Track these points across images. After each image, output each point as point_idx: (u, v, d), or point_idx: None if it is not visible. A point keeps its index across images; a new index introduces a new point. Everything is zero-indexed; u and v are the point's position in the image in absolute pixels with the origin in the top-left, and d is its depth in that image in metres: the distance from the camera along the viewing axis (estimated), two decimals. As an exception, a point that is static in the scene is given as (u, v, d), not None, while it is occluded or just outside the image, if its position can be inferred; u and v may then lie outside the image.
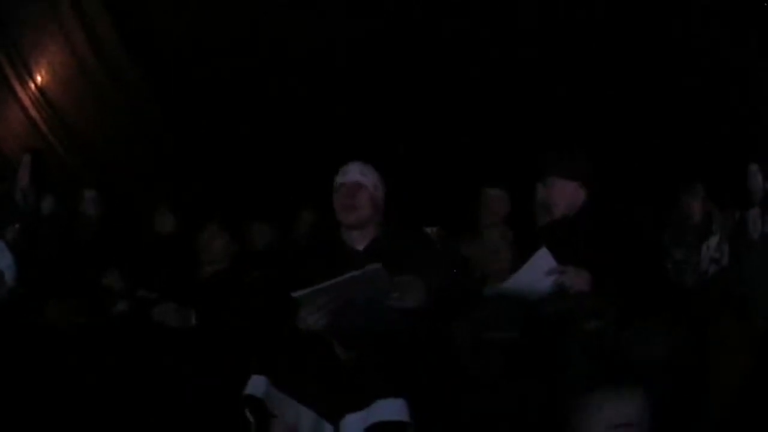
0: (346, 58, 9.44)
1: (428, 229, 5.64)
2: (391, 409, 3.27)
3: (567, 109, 8.95)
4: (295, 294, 3.44)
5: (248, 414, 3.41)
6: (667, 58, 8.87)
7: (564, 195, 4.22)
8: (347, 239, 3.92)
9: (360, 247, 3.88)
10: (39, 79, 9.30)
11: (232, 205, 7.88)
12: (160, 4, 9.46)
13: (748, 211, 6.68)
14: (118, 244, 6.52)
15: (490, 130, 9.19)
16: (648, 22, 8.84)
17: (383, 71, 9.36)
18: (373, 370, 3.36)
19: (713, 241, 6.62)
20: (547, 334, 3.87)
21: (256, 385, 3.40)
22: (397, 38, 9.23)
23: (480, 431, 3.76)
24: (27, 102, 9.25)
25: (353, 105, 9.40)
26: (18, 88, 9.14)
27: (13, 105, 9.18)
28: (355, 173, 3.94)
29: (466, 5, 9.09)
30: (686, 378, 4.03)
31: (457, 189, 7.51)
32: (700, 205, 6.84)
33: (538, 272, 3.96)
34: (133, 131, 9.95)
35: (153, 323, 5.08)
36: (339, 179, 3.98)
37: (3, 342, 4.94)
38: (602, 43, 8.85)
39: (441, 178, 8.95)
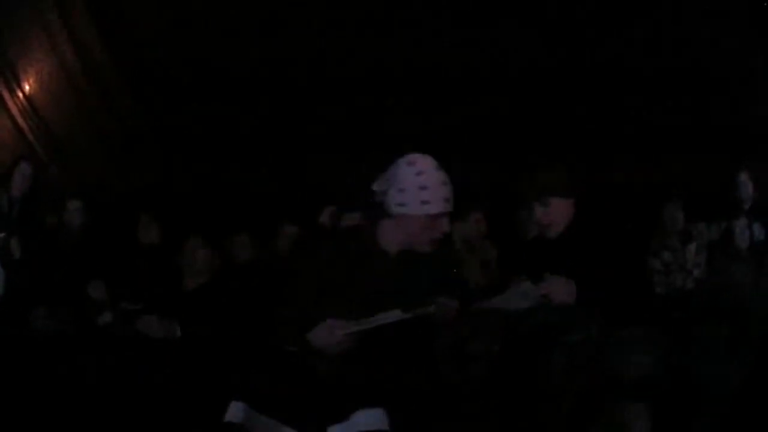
0: (333, 62, 9.46)
1: None
2: (371, 418, 3.27)
3: (548, 121, 8.99)
4: (346, 332, 3.37)
5: None
6: (653, 67, 8.91)
7: (563, 213, 4.21)
8: (381, 241, 3.68)
9: (392, 250, 3.68)
10: (27, 88, 9.30)
11: (215, 218, 7.88)
12: (148, 14, 9.48)
13: (735, 221, 6.74)
14: (102, 255, 6.50)
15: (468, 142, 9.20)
16: (632, 29, 8.90)
17: (363, 79, 9.37)
18: (353, 381, 3.36)
19: (692, 247, 6.70)
20: (529, 346, 3.87)
21: (235, 411, 3.35)
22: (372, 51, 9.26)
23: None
24: (14, 110, 9.25)
25: (341, 110, 9.41)
26: (6, 96, 9.14)
27: (2, 115, 9.17)
28: (441, 202, 3.58)
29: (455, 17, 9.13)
30: (673, 387, 4.04)
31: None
32: (680, 212, 6.93)
33: (522, 294, 3.96)
34: (119, 141, 9.97)
35: (137, 334, 5.08)
36: (421, 209, 3.58)
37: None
38: (582, 55, 8.89)
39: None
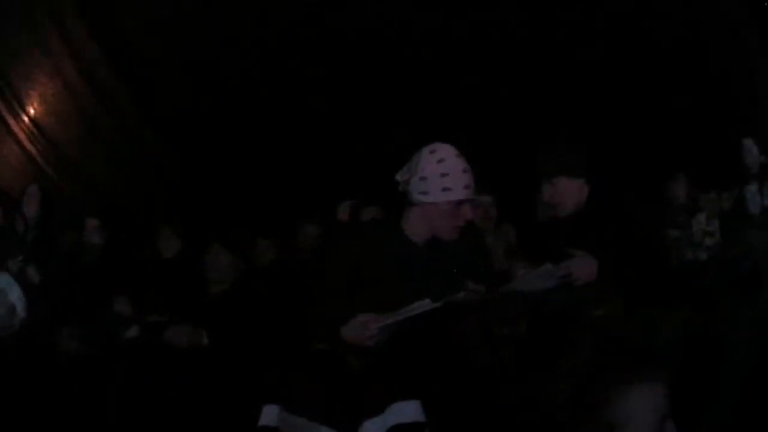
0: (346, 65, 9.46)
1: None
2: (408, 410, 3.28)
3: (554, 98, 8.99)
4: (378, 326, 3.42)
5: None
6: (653, 43, 8.93)
7: (571, 194, 4.21)
8: (407, 232, 3.71)
9: (418, 240, 3.71)
10: (32, 111, 9.32)
11: (234, 222, 7.89)
12: (151, 30, 9.48)
13: (745, 186, 6.76)
14: (123, 271, 6.53)
15: (481, 125, 9.21)
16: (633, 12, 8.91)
17: (380, 75, 9.38)
18: (387, 374, 3.38)
19: (701, 217, 6.73)
20: (554, 325, 3.89)
21: (269, 414, 3.39)
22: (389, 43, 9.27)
23: (492, 426, 3.78)
24: (21, 135, 9.27)
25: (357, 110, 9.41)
26: (11, 122, 9.16)
27: (6, 139, 9.19)
28: (461, 188, 3.64)
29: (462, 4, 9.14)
30: (696, 358, 4.05)
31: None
32: (684, 188, 6.95)
33: (543, 274, 3.97)
34: (129, 157, 9.99)
35: (164, 347, 5.10)
36: (442, 195, 3.62)
37: (19, 372, 4.95)
38: (590, 34, 8.89)
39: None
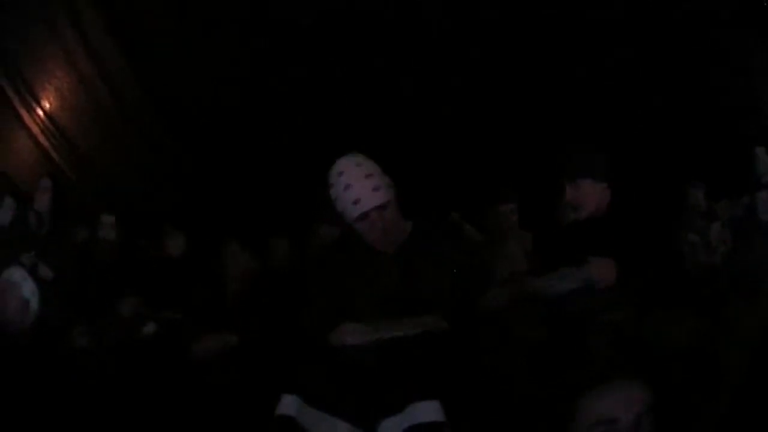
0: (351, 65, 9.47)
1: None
2: (427, 410, 3.28)
3: (573, 106, 9.01)
4: (347, 341, 3.41)
5: None
6: (668, 51, 8.95)
7: (594, 197, 4.24)
8: (373, 241, 3.63)
9: (390, 250, 3.64)
10: (47, 105, 9.30)
11: (248, 219, 7.89)
12: (166, 24, 9.47)
13: (757, 194, 6.79)
14: (137, 268, 6.54)
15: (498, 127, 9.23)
16: (646, 16, 8.91)
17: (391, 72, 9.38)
18: (407, 373, 3.37)
19: (717, 225, 6.75)
20: (572, 330, 3.91)
21: (288, 404, 3.38)
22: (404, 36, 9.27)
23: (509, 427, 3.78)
24: (35, 130, 9.25)
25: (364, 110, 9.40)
26: (25, 116, 9.15)
27: (21, 133, 9.18)
28: (369, 195, 3.48)
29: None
30: (699, 363, 4.07)
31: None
32: (703, 195, 6.99)
33: (565, 277, 3.99)
34: (143, 152, 9.99)
35: (180, 344, 5.11)
36: (354, 210, 3.51)
37: (32, 368, 4.94)
38: (603, 41, 8.91)
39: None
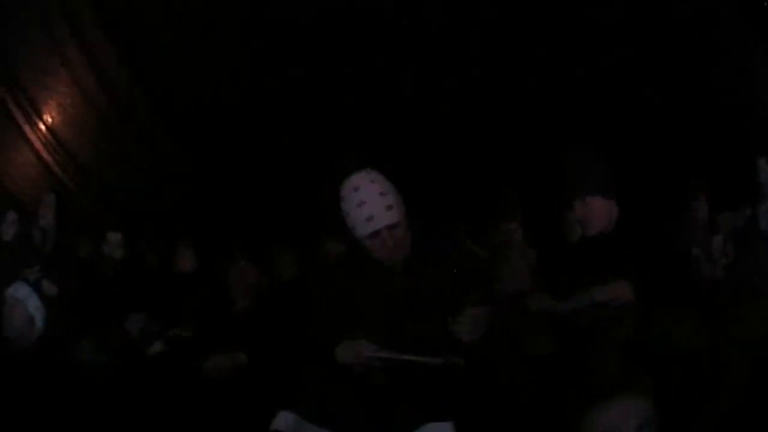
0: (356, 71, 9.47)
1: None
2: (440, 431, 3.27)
3: (575, 116, 9.01)
4: (369, 354, 3.38)
5: None
6: (668, 55, 8.96)
7: (603, 213, 4.25)
8: (377, 259, 3.59)
9: (394, 265, 3.59)
10: (49, 120, 9.31)
11: (254, 234, 7.88)
12: (168, 35, 9.46)
13: (758, 205, 6.81)
14: (143, 284, 6.53)
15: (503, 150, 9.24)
16: (646, 24, 8.93)
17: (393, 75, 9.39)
18: (418, 392, 3.35)
19: (718, 239, 6.76)
20: (579, 344, 3.92)
21: (284, 420, 3.38)
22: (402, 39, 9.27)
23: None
24: (38, 144, 9.27)
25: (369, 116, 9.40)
26: (28, 131, 9.16)
27: (23, 148, 9.20)
28: (383, 214, 3.46)
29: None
30: (701, 364, 4.07)
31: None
32: (705, 207, 6.99)
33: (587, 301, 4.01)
34: (146, 166, 9.99)
35: (188, 362, 5.10)
36: (367, 227, 3.48)
37: (37, 384, 4.93)
38: (602, 43, 8.93)
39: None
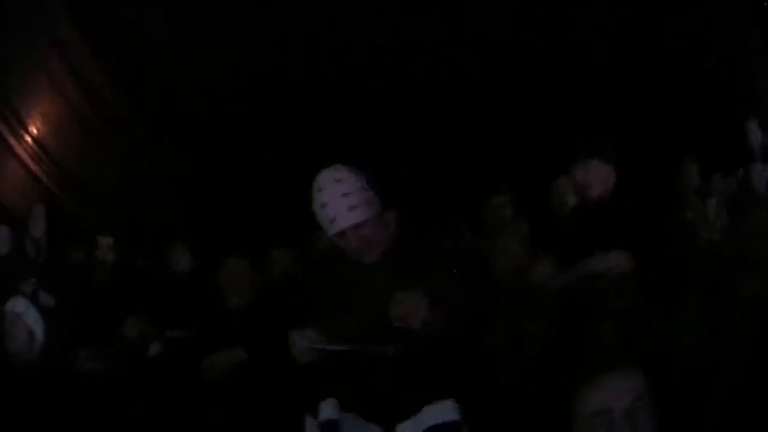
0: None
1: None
2: (443, 410, 3.27)
3: (563, 90, 9.02)
4: (314, 347, 3.35)
5: None
6: (657, 28, 8.98)
7: (601, 178, 4.29)
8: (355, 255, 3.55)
9: (375, 259, 3.53)
10: (35, 131, 9.29)
11: (247, 233, 7.86)
12: (150, 41, 9.43)
13: (750, 167, 6.81)
14: (138, 288, 6.52)
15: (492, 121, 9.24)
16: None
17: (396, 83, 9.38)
18: (419, 376, 3.34)
19: (712, 201, 6.76)
20: (577, 320, 3.93)
21: (328, 409, 3.37)
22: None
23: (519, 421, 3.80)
24: (25, 156, 9.25)
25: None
26: (14, 144, 9.14)
27: (11, 161, 9.18)
28: (344, 215, 3.38)
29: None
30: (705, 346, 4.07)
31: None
32: (696, 172, 7.01)
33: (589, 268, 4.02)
34: (135, 172, 9.99)
35: (187, 362, 5.09)
36: (331, 228, 3.42)
37: (44, 396, 4.92)
38: (599, 27, 8.95)
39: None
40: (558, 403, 3.44)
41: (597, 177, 4.29)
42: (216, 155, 9.85)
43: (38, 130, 9.32)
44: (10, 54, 8.89)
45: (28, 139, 9.24)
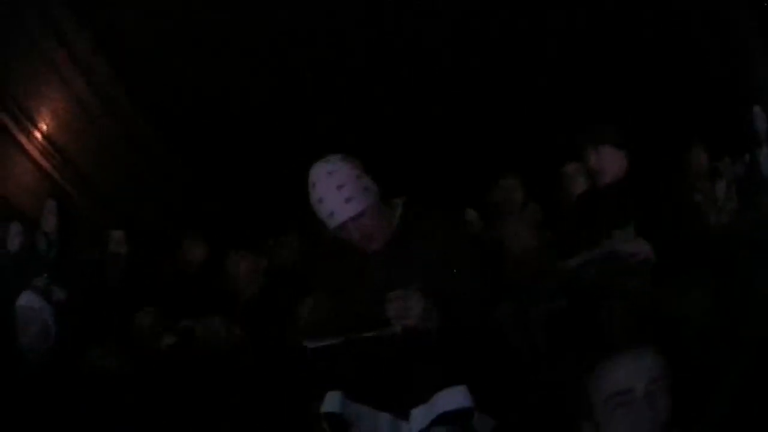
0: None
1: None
2: (455, 396, 3.27)
3: (572, 74, 9.03)
4: (309, 345, 3.35)
5: (327, 430, 3.40)
6: (663, 16, 8.99)
7: (614, 163, 4.32)
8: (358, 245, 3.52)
9: (377, 248, 3.52)
10: (44, 128, 9.30)
11: (252, 225, 7.87)
12: (157, 38, 9.43)
13: (757, 152, 6.83)
14: (150, 280, 6.53)
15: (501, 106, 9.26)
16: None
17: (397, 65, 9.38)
18: (430, 362, 3.34)
19: (722, 184, 6.76)
20: (588, 299, 3.95)
21: (332, 401, 3.39)
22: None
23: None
24: (35, 153, 9.27)
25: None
26: (24, 141, 9.16)
27: (21, 158, 9.20)
28: (342, 208, 3.37)
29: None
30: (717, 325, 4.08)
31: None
32: (704, 155, 7.01)
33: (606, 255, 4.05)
34: (143, 168, 10.04)
35: (200, 351, 5.11)
36: (330, 222, 3.41)
37: (58, 391, 4.94)
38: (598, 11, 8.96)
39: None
40: (571, 382, 3.47)
41: (610, 162, 4.33)
42: (225, 149, 9.87)
43: (48, 127, 9.33)
44: (19, 52, 8.91)
45: (38, 136, 9.26)
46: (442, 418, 3.28)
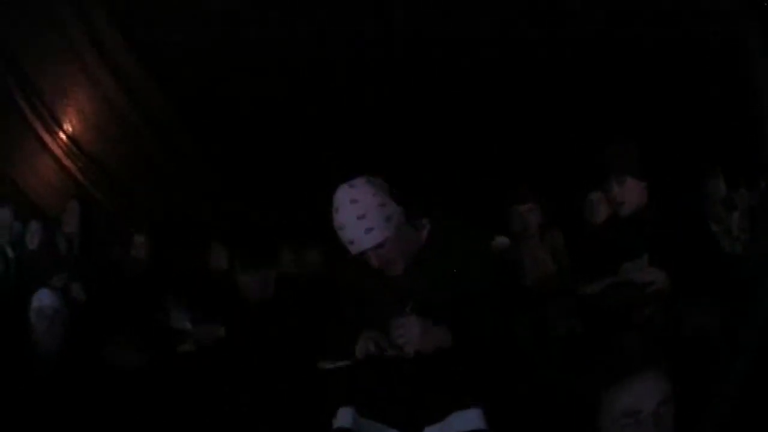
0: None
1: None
2: (468, 419, 3.28)
3: (590, 102, 9.05)
4: (325, 366, 3.42)
5: None
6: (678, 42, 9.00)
7: (636, 195, 4.37)
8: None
9: (399, 272, 3.53)
10: (69, 128, 9.32)
11: (276, 233, 7.88)
12: (186, 34, 9.40)
13: (774, 179, 6.85)
14: (170, 284, 6.58)
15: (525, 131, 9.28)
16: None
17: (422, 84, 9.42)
18: (447, 381, 3.37)
19: (737, 214, 6.80)
20: (605, 323, 4.00)
21: (344, 416, 3.37)
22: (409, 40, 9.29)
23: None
24: (59, 153, 9.29)
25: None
26: (48, 140, 9.18)
27: (45, 157, 9.23)
28: (362, 238, 3.35)
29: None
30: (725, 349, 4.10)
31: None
32: (722, 184, 7.04)
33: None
34: (169, 170, 10.04)
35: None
36: (351, 249, 3.39)
37: (75, 390, 4.98)
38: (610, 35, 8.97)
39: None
40: (584, 403, 3.51)
41: (632, 195, 4.37)
42: (254, 156, 9.86)
43: (72, 126, 9.36)
44: (46, 50, 8.95)
45: (62, 134, 9.29)
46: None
